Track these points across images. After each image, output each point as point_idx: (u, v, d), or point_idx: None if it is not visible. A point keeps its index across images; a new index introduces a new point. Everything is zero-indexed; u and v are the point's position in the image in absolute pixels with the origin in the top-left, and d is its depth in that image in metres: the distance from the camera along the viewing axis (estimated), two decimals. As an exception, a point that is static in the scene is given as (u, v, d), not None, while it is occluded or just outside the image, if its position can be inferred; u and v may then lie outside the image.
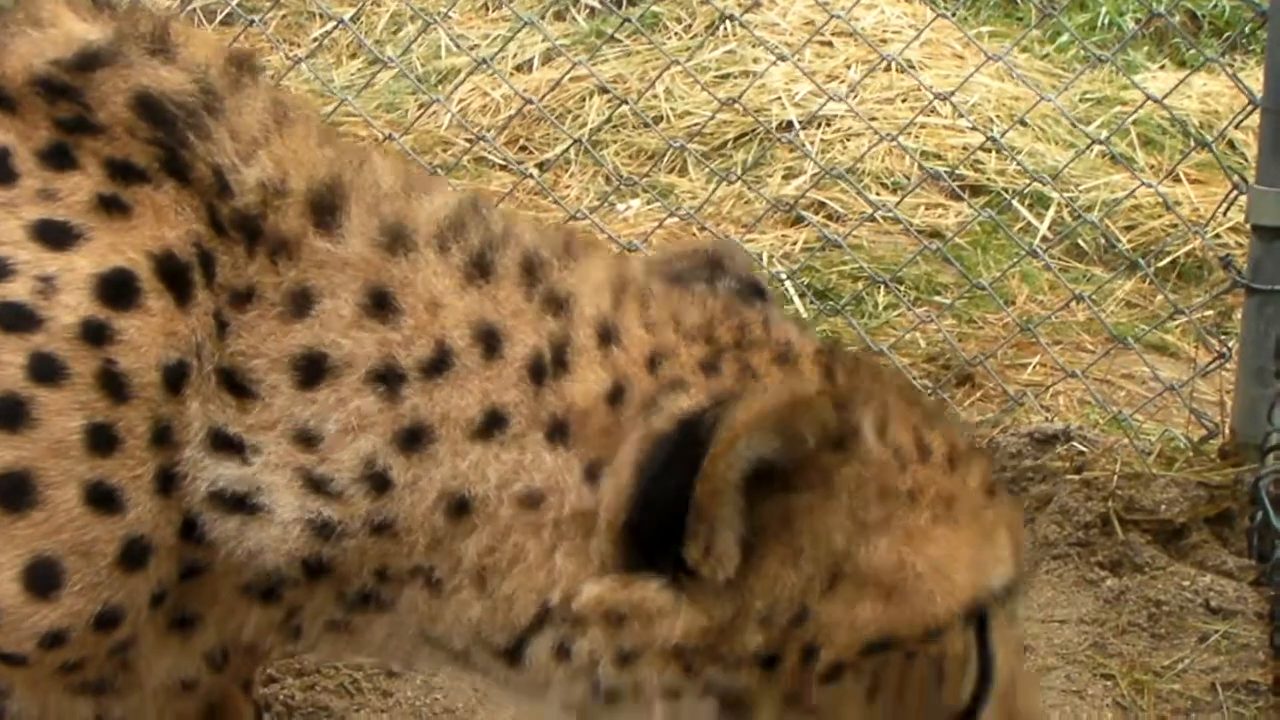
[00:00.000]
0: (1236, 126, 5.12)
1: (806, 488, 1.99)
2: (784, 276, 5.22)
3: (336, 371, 1.94)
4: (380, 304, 1.95)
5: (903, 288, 5.23)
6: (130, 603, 1.97)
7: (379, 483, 1.95)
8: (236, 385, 1.95)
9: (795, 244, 5.66)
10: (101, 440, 1.90)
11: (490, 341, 1.97)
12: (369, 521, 1.97)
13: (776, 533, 1.99)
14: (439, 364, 1.95)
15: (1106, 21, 6.93)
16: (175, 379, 1.93)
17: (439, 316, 1.96)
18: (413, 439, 1.95)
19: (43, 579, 1.93)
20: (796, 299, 5.23)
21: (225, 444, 1.95)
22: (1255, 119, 4.33)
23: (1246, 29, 6.37)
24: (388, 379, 1.94)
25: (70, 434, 1.90)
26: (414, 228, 1.99)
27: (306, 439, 1.94)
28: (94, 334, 1.90)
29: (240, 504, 1.96)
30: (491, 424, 1.96)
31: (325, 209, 1.98)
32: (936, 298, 5.38)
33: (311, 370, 1.94)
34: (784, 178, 6.01)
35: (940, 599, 2.04)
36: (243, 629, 2.08)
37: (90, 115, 1.97)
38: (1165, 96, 4.71)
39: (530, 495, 1.96)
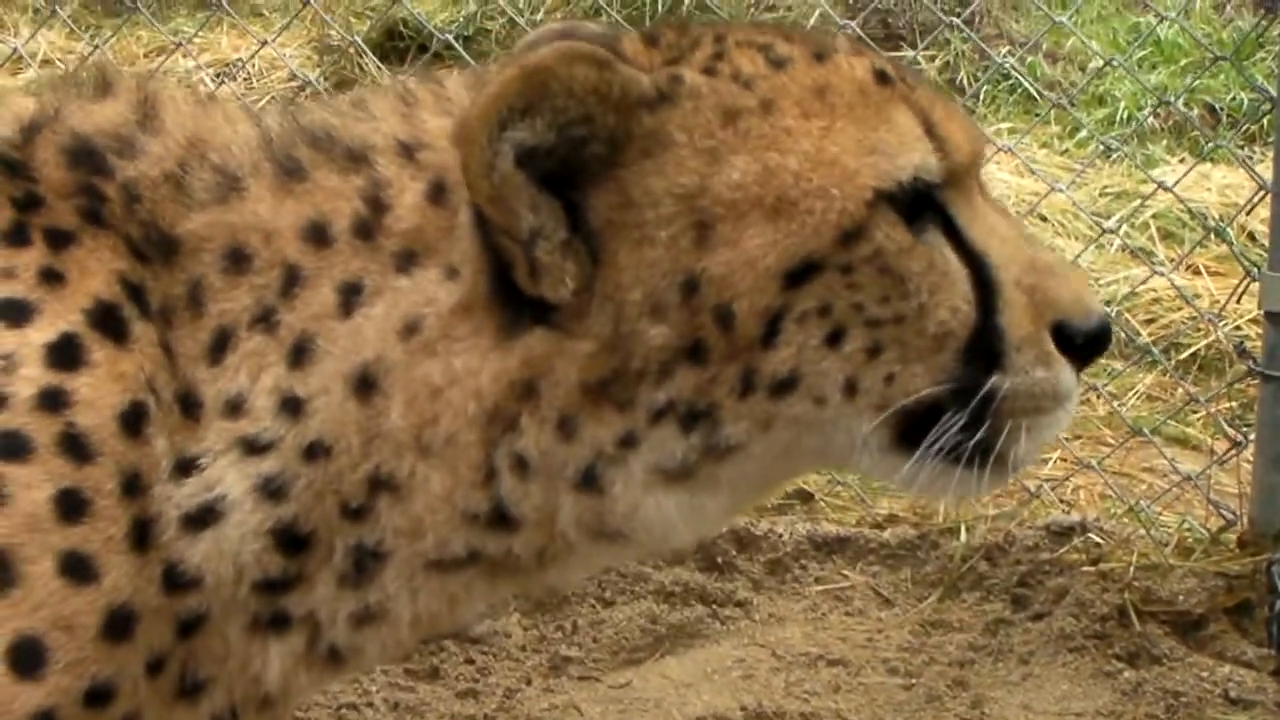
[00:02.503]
0: (1249, 213, 5.11)
1: (637, 158, 1.93)
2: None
3: (233, 332, 1.97)
4: (235, 258, 1.99)
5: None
6: (122, 675, 1.94)
7: (291, 406, 1.96)
8: (189, 405, 1.97)
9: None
10: (70, 507, 1.90)
11: (317, 235, 1.98)
12: (300, 449, 1.96)
13: (618, 218, 1.92)
14: (291, 280, 1.98)
15: (1125, 116, 6.95)
16: (134, 422, 1.93)
17: (273, 242, 1.99)
18: (300, 351, 1.96)
19: (26, 658, 1.90)
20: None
21: (186, 467, 1.96)
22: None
23: (1262, 120, 6.38)
24: (265, 316, 1.97)
25: (41, 506, 1.89)
26: (236, 164, 2.02)
27: (234, 407, 1.96)
28: (51, 401, 1.91)
29: (206, 514, 1.95)
30: (350, 294, 1.96)
31: (180, 181, 2.02)
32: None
33: (218, 345, 1.98)
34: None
35: (837, 191, 1.92)
36: (265, 674, 2.04)
37: (36, 188, 2.02)
38: (1176, 184, 4.71)
39: (406, 324, 1.94)
